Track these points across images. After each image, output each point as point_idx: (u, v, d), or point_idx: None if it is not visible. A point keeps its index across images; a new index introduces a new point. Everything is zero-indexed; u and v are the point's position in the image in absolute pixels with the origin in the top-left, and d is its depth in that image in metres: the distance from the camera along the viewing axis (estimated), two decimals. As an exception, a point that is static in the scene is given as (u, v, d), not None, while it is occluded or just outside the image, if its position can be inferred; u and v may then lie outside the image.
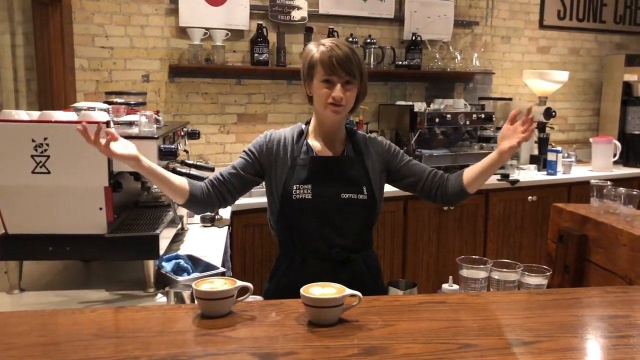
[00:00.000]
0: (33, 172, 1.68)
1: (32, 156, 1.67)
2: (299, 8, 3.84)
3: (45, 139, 1.66)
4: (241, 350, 1.11)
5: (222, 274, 1.88)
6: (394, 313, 1.32)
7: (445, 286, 1.62)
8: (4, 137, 1.66)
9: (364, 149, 1.88)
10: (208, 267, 1.94)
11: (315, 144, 1.86)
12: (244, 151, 1.87)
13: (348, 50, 1.75)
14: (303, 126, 1.89)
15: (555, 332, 1.20)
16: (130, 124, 1.99)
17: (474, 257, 1.62)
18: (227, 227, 2.68)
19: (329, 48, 1.74)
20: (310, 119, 1.90)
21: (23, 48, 3.18)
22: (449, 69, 4.28)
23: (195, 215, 2.77)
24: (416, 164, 1.93)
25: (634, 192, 1.97)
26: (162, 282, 1.81)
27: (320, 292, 1.23)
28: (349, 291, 1.24)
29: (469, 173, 1.84)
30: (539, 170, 4.23)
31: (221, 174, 1.81)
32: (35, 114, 1.80)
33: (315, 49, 1.78)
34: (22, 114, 1.75)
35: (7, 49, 3.09)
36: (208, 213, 2.72)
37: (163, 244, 1.87)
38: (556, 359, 1.08)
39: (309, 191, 1.78)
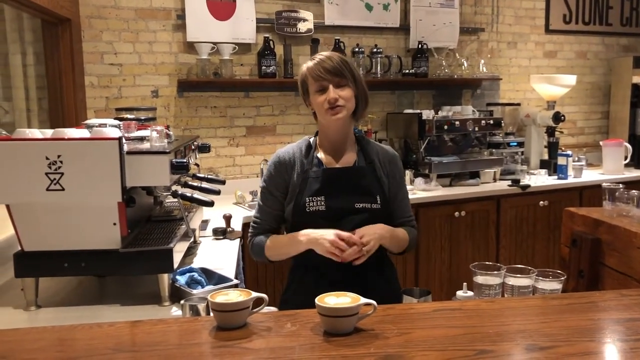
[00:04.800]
0: (47, 189, 1.70)
1: (47, 174, 1.69)
2: (305, 20, 3.87)
3: (59, 156, 1.68)
4: (258, 361, 1.11)
5: (236, 286, 1.89)
6: (410, 321, 1.32)
7: (459, 293, 1.61)
8: (19, 155, 1.69)
9: (375, 157, 1.90)
10: (221, 279, 1.94)
11: (324, 157, 1.88)
12: (264, 188, 1.89)
13: (337, 58, 1.79)
14: (311, 139, 1.91)
15: (572, 336, 1.19)
16: (142, 139, 2.01)
17: (487, 263, 1.62)
18: (238, 240, 2.69)
19: (318, 60, 1.79)
20: (318, 132, 1.93)
21: (34, 67, 3.22)
22: (456, 76, 4.29)
23: (207, 228, 2.79)
24: (404, 203, 1.95)
25: (647, 195, 1.96)
26: (177, 295, 1.81)
27: (335, 301, 1.23)
28: (363, 300, 1.24)
29: None
30: (549, 174, 4.20)
31: (267, 223, 1.87)
32: (48, 132, 1.82)
33: (305, 66, 1.83)
34: (36, 132, 1.77)
35: (18, 69, 3.13)
36: (221, 226, 2.74)
37: (177, 258, 1.88)
38: (574, 364, 1.07)
39: (322, 203, 1.79)
